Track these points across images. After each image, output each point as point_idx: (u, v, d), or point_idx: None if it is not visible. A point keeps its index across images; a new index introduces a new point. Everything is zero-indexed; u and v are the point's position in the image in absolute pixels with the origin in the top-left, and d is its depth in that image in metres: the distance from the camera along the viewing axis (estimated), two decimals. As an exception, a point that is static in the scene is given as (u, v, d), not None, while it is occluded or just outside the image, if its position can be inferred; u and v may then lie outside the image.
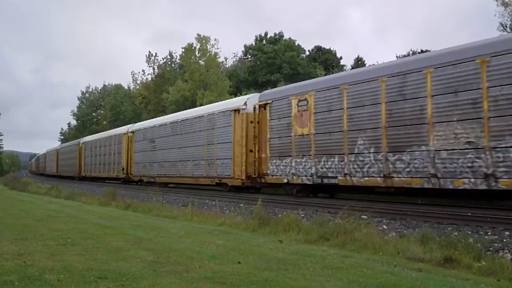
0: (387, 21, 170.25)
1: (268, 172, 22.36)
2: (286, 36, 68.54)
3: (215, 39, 59.89)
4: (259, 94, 25.39)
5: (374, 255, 8.54)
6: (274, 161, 22.00)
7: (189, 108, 38.98)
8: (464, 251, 8.37)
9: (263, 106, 23.11)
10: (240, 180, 24.38)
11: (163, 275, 6.50)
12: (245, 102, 24.98)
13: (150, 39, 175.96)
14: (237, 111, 25.13)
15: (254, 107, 23.87)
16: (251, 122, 24.03)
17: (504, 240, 10.23)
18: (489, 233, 10.94)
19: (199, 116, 29.26)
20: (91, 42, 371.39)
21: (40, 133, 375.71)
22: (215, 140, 26.79)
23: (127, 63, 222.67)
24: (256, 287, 5.91)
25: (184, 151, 30.34)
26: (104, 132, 52.29)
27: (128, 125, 43.19)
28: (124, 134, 40.94)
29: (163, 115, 43.49)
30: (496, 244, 9.87)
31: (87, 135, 66.53)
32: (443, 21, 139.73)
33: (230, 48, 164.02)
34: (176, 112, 43.56)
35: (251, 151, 23.84)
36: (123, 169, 40.31)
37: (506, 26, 37.41)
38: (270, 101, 22.66)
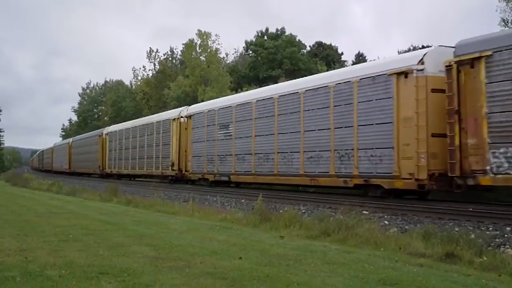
0: (389, 16, 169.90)
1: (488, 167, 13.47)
2: (287, 32, 68.45)
3: (216, 35, 59.92)
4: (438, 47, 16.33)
5: (375, 251, 8.55)
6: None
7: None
8: (465, 246, 8.37)
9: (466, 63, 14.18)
10: (412, 182, 15.60)
11: (164, 270, 6.50)
12: (421, 58, 15.70)
13: (152, 35, 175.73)
14: (403, 74, 16.06)
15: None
16: (434, 90, 15.33)
17: (506, 235, 10.22)
18: (491, 229, 10.93)
19: (344, 82, 18.41)
20: (92, 38, 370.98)
21: (41, 129, 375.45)
22: (355, 119, 17.68)
23: (128, 59, 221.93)
24: (257, 283, 5.91)
25: (289, 138, 21.01)
26: (140, 119, 42.71)
27: (180, 108, 33.95)
28: (174, 119, 32.09)
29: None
30: (497, 240, 9.87)
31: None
32: (445, 15, 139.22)
33: (232, 44, 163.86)
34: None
35: (438, 135, 15.22)
36: (172, 164, 31.64)
37: (507, 22, 37.26)
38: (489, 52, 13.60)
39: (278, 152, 21.63)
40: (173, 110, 36.64)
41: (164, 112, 39.73)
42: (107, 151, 46.31)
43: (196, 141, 29.11)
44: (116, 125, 49.82)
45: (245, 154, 24.18)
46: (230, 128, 25.64)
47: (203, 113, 29.00)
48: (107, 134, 47.00)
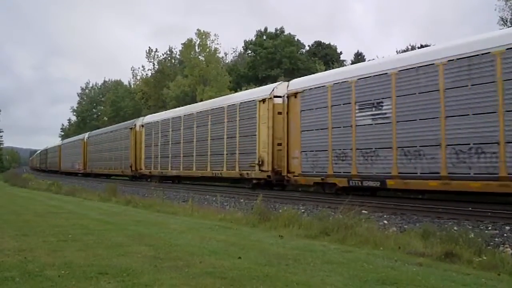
0: (389, 15, 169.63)
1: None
2: (286, 31, 68.48)
3: (215, 35, 59.82)
4: None
5: (374, 250, 8.55)
6: None
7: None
8: (464, 245, 8.38)
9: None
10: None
11: (164, 270, 6.50)
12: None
13: (151, 34, 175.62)
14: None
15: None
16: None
17: (505, 234, 10.23)
18: (490, 228, 10.94)
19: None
20: (91, 37, 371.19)
21: (40, 129, 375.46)
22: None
23: (127, 59, 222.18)
24: (256, 282, 5.91)
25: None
26: (197, 104, 33.78)
27: (272, 84, 25.28)
28: (261, 100, 23.48)
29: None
30: (496, 239, 9.88)
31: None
32: (446, 14, 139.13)
33: (232, 43, 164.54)
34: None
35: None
36: (260, 163, 23.08)
37: (506, 21, 37.33)
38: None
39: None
40: (259, 88, 28.40)
41: (238, 93, 32.50)
42: (142, 147, 37.50)
43: (309, 128, 20.19)
44: (158, 113, 39.99)
45: (429, 145, 15.43)
46: (384, 107, 17.05)
47: (323, 87, 19.68)
48: (142, 125, 38.20)
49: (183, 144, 31.12)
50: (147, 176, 37.00)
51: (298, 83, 21.59)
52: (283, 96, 21.94)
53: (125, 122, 45.97)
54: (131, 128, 39.99)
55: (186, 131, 30.86)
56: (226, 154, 25.76)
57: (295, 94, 21.04)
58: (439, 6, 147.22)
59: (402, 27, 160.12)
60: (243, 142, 24.45)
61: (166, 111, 39.27)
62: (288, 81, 22.94)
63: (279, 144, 22.17)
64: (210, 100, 32.52)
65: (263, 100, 23.27)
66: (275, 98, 22.75)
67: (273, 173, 22.43)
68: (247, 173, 24.08)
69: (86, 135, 56.71)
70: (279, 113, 22.26)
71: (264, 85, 35.50)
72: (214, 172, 27.25)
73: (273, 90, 23.20)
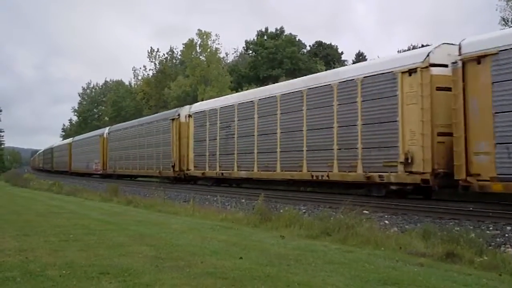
0: (392, 15, 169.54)
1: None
2: (287, 31, 68.52)
3: (216, 35, 60.00)
4: None
5: (375, 250, 8.55)
6: None
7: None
8: (465, 246, 8.37)
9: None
10: None
11: (165, 270, 6.51)
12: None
13: (152, 34, 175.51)
14: None
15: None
16: None
17: (506, 235, 10.22)
18: (491, 228, 10.93)
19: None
20: (92, 37, 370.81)
21: (41, 129, 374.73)
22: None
23: (129, 59, 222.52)
24: (258, 283, 5.91)
25: None
26: (288, 82, 24.77)
27: (424, 48, 18.87)
28: (406, 72, 16.56)
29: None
30: (498, 239, 9.88)
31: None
32: (449, 14, 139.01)
33: (233, 42, 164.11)
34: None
35: None
36: (407, 160, 16.10)
37: (508, 21, 37.25)
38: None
39: None
40: (396, 55, 22.31)
41: (354, 65, 25.83)
42: (190, 142, 30.25)
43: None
44: (213, 99, 32.61)
45: None
46: None
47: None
48: (189, 115, 30.70)
49: (257, 137, 23.76)
50: (198, 178, 30.83)
51: (485, 41, 14.27)
52: (454, 63, 14.84)
53: (164, 112, 39.30)
54: (173, 119, 31.97)
55: (262, 119, 23.53)
56: (338, 148, 18.81)
57: (478, 59, 14.12)
58: (441, 5, 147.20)
59: (405, 27, 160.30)
60: (371, 131, 17.59)
61: (226, 96, 32.07)
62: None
63: (442, 134, 15.57)
64: (304, 77, 24.15)
65: (411, 71, 16.32)
66: (432, 68, 15.84)
67: (432, 176, 15.42)
68: (380, 176, 17.20)
69: (106, 130, 48.69)
70: (441, 88, 15.64)
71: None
72: (316, 174, 19.91)
73: (428, 55, 15.97)
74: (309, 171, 20.08)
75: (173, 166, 31.58)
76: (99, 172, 48.58)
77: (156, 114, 40.98)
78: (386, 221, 12.51)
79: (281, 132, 21.87)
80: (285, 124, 21.74)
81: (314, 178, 19.88)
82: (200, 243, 8.91)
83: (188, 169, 30.40)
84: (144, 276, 6.15)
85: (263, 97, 23.66)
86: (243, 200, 18.49)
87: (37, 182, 39.91)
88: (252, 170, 23.91)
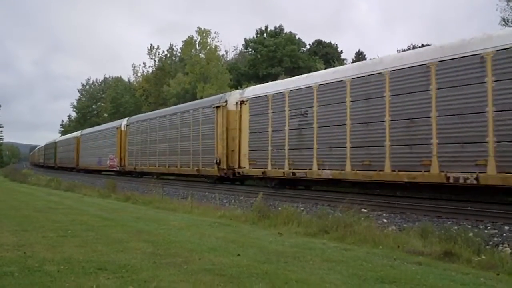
0: (394, 14, 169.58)
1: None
2: (287, 29, 68.59)
3: (215, 32, 60.05)
4: None
5: (374, 249, 8.55)
6: None
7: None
8: (463, 245, 8.38)
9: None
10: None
11: (162, 267, 6.50)
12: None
13: (153, 31, 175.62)
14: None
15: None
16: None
17: (504, 234, 10.24)
18: (489, 227, 10.95)
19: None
20: (93, 34, 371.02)
21: (40, 125, 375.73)
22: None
23: (129, 56, 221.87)
24: (255, 280, 5.91)
25: None
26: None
27: None
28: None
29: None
30: (495, 239, 9.89)
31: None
32: (451, 13, 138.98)
33: (233, 40, 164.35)
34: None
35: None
36: None
37: (508, 21, 37.31)
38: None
39: None
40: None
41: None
42: (243, 134, 24.43)
43: None
44: (275, 82, 25.84)
45: None
46: None
47: None
48: (243, 102, 24.55)
49: (351, 126, 18.37)
50: (256, 178, 24.91)
51: None
52: None
53: (205, 99, 33.94)
54: (218, 107, 26.56)
55: (359, 104, 18.09)
56: (497, 141, 13.72)
57: None
58: (444, 5, 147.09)
59: (407, 26, 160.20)
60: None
61: (297, 77, 23.68)
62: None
63: None
64: (430, 46, 19.39)
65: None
66: None
67: None
68: None
69: (124, 121, 42.46)
70: None
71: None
72: (455, 175, 14.69)
73: None
74: (442, 171, 14.95)
75: (218, 163, 25.83)
76: (115, 169, 42.93)
77: (193, 102, 34.98)
78: (384, 220, 12.52)
79: (393, 120, 16.73)
80: (398, 108, 16.57)
81: (451, 180, 14.69)
82: (198, 240, 8.90)
83: (240, 167, 24.32)
84: (142, 272, 6.15)
85: (360, 76, 18.20)
86: (242, 198, 18.49)
87: (36, 178, 39.88)
88: (343, 170, 18.49)
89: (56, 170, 66.09)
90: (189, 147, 29.47)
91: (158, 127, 34.48)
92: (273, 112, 22.27)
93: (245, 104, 24.36)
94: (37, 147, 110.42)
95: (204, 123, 27.86)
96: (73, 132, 71.48)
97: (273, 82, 26.02)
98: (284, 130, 21.51)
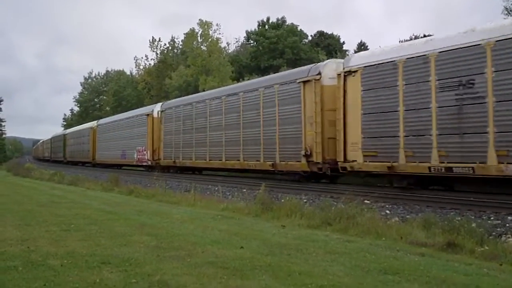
0: (398, 4, 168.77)
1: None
2: (290, 21, 68.42)
3: (217, 24, 59.77)
4: None
5: (377, 240, 8.56)
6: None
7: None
8: (466, 236, 8.38)
9: None
10: None
11: (166, 260, 6.52)
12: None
13: (156, 23, 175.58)
14: None
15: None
16: None
17: (507, 224, 10.24)
18: (492, 218, 10.95)
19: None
20: (96, 26, 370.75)
21: (43, 119, 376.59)
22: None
23: (132, 48, 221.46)
24: (259, 272, 5.92)
25: None
26: None
27: None
28: None
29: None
30: (499, 229, 9.89)
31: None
32: (455, 3, 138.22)
33: (236, 32, 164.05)
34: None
35: None
36: None
37: (510, 11, 37.10)
38: None
39: None
40: None
41: None
42: (354, 115, 17.59)
43: None
44: (422, 39, 19.00)
45: None
46: None
47: None
48: (352, 71, 17.82)
49: None
50: (378, 175, 17.56)
51: None
52: None
53: (281, 74, 25.94)
54: (305, 82, 19.98)
55: None
56: None
57: None
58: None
59: (409, 16, 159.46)
60: None
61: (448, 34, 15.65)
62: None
63: None
64: None
65: None
66: None
67: None
68: None
69: (157, 107, 35.89)
70: None
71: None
72: None
73: None
74: None
75: (308, 155, 19.41)
76: (145, 163, 36.25)
77: (262, 78, 28.42)
78: (387, 211, 12.53)
79: None
80: None
81: None
82: (201, 233, 8.92)
83: (347, 161, 17.42)
84: (145, 265, 6.16)
85: None
86: (244, 190, 18.51)
87: (39, 172, 39.93)
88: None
89: (65, 165, 60.12)
90: (258, 136, 22.70)
91: (209, 111, 27.50)
92: (406, 84, 15.61)
93: (354, 75, 17.63)
94: (41, 141, 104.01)
95: (283, 103, 21.18)
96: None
97: (405, 43, 20.40)
98: (428, 108, 14.89)
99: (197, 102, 29.45)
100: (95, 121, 53.90)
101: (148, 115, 36.06)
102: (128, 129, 40.20)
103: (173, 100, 36.65)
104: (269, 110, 21.92)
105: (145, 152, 35.88)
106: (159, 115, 34.17)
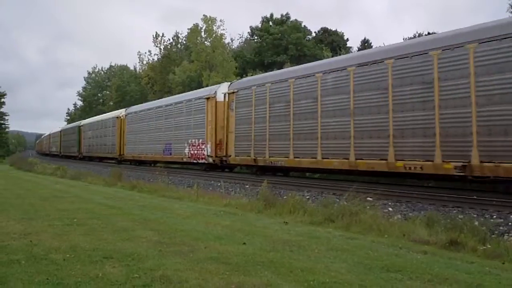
0: (402, 1, 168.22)
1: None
2: (294, 17, 68.29)
3: (220, 20, 59.79)
4: None
5: (379, 237, 8.55)
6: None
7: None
8: (469, 234, 8.37)
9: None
10: None
11: (168, 255, 6.53)
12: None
13: (159, 18, 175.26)
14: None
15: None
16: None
17: (510, 223, 10.21)
18: (495, 217, 10.92)
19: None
20: (99, 21, 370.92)
21: (46, 114, 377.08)
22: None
23: (135, 43, 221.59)
24: (261, 268, 5.92)
25: None
26: None
27: None
28: None
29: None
30: (501, 228, 9.86)
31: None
32: (459, 1, 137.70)
33: (240, 28, 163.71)
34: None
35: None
36: None
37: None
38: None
39: None
40: None
41: None
42: None
43: None
44: None
45: None
46: None
47: None
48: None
49: None
50: None
51: None
52: None
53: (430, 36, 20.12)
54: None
55: None
56: None
57: None
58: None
59: (414, 14, 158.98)
60: None
61: None
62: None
63: None
64: None
65: None
66: None
67: None
68: None
69: (222, 88, 27.30)
70: None
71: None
72: None
73: None
74: None
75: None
76: (203, 161, 28.14)
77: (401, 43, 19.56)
78: (390, 209, 12.50)
79: None
80: None
81: None
82: (203, 229, 8.92)
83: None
84: (147, 260, 6.17)
85: None
86: (247, 186, 18.51)
87: (41, 166, 40.00)
88: None
89: (81, 162, 52.74)
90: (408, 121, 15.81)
91: (321, 88, 19.36)
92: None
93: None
94: (46, 134, 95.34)
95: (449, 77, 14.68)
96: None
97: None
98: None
99: (298, 77, 20.95)
100: (123, 110, 45.48)
101: (208, 98, 27.84)
102: (174, 118, 32.22)
103: (251, 78, 28.92)
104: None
105: (203, 146, 28.01)
106: (227, 98, 25.96)
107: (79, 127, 59.46)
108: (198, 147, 28.54)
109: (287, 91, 21.32)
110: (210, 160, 27.14)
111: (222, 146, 26.28)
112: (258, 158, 23.01)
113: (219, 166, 27.37)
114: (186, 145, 29.91)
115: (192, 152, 29.15)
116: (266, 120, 22.52)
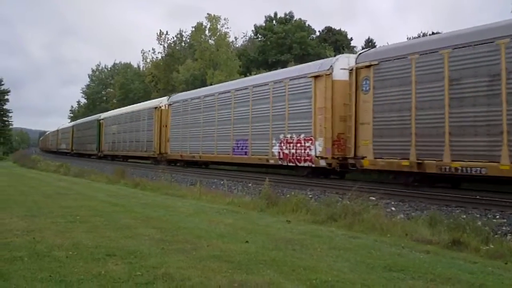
0: (407, 0, 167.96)
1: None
2: (298, 16, 68.19)
3: (224, 19, 59.78)
4: None
5: (382, 237, 8.54)
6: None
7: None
8: (472, 234, 8.34)
9: None
10: None
11: (171, 253, 6.53)
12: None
13: (164, 16, 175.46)
14: None
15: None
16: None
17: (513, 223, 10.19)
18: (498, 217, 10.89)
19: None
20: (104, 19, 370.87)
21: (50, 111, 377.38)
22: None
23: (139, 41, 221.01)
24: (263, 267, 5.93)
25: None
26: None
27: None
28: None
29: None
30: (504, 228, 9.84)
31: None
32: (465, 1, 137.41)
33: (244, 26, 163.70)
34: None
35: None
36: None
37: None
38: None
39: None
40: None
41: None
42: None
43: None
44: None
45: None
46: None
47: None
48: None
49: None
50: None
51: None
52: None
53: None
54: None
55: None
56: None
57: None
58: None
59: (419, 13, 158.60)
60: None
61: None
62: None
63: None
64: None
65: None
66: None
67: None
68: None
69: (342, 60, 19.65)
70: None
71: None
72: None
73: None
74: None
75: None
76: (306, 164, 20.42)
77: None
78: (393, 208, 12.48)
79: None
80: None
81: None
82: (206, 227, 8.93)
83: None
84: (150, 258, 6.18)
85: None
86: (250, 184, 18.51)
87: (45, 163, 40.08)
88: None
89: (100, 159, 47.61)
90: None
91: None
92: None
93: None
94: (57, 129, 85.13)
95: None
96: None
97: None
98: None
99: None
100: (163, 98, 37.69)
101: (317, 76, 19.98)
102: (252, 106, 24.26)
103: (399, 45, 18.17)
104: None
105: (308, 144, 20.33)
106: (353, 75, 18.18)
107: (98, 121, 51.57)
108: (299, 144, 20.80)
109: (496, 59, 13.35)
110: (322, 162, 19.50)
111: (342, 143, 19.09)
112: (425, 161, 15.14)
113: (337, 172, 20.15)
114: (275, 141, 22.28)
115: (285, 151, 21.49)
116: (445, 103, 14.54)
